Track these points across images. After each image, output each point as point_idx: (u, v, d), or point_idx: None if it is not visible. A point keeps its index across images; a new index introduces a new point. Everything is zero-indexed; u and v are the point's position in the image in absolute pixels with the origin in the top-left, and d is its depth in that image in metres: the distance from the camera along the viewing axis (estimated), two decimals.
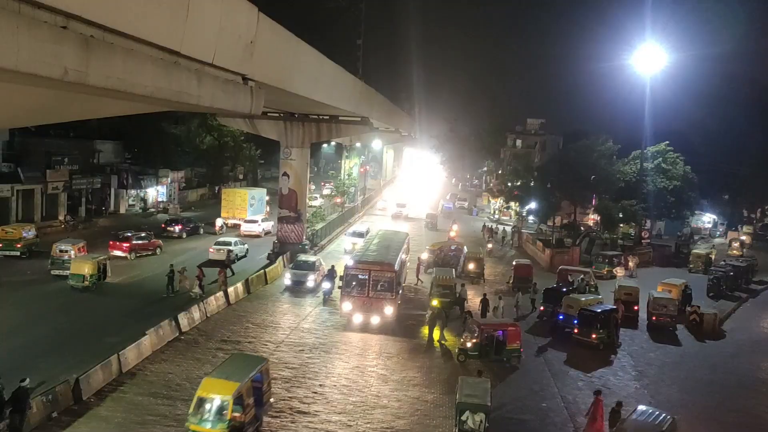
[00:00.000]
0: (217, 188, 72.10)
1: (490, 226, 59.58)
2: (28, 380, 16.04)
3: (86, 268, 29.42)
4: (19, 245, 35.44)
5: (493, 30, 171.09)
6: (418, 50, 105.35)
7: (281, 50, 21.67)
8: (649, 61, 46.02)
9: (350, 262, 27.92)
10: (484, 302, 29.24)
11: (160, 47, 13.05)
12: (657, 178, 52.07)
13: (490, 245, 49.81)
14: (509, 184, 58.85)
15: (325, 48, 27.27)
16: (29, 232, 36.97)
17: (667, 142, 54.18)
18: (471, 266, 38.28)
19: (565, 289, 31.60)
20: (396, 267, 28.25)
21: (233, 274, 33.32)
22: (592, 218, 57.34)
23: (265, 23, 19.05)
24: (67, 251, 31.78)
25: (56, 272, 31.14)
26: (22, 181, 44.19)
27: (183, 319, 24.87)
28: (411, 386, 20.98)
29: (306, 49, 25.59)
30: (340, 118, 41.13)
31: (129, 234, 38.14)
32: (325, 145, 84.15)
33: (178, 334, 24.14)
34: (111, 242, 37.07)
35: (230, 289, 29.60)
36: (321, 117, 40.76)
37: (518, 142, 71.33)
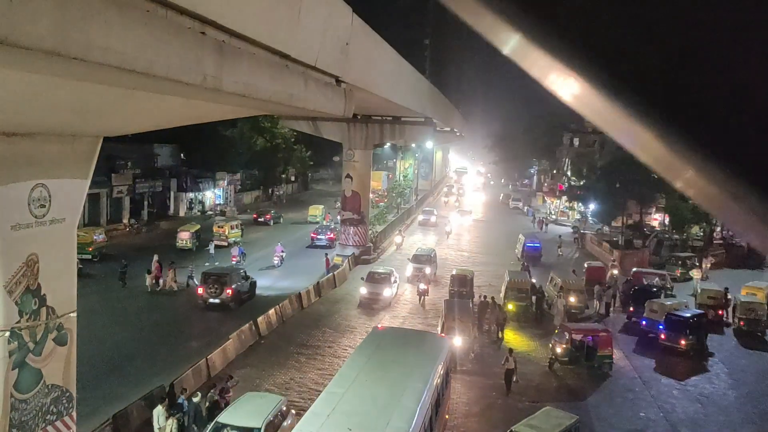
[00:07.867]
0: (270, 190, 72.22)
1: (541, 218, 59.09)
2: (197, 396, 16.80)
3: None
4: (90, 249, 36.01)
5: None
6: (471, 45, 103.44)
7: (370, 51, 21.41)
8: None
9: None
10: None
11: (274, 51, 12.85)
12: None
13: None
14: (572, 183, 57.41)
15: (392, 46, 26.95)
16: (99, 236, 37.59)
17: None
18: (572, 300, 29.37)
19: (653, 291, 30.63)
20: None
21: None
22: (655, 218, 55.52)
23: (358, 24, 18.79)
24: None
25: None
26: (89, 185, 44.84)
27: (262, 323, 24.87)
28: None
29: (388, 51, 25.38)
30: (403, 119, 40.65)
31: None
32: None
33: (258, 338, 24.13)
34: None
35: (302, 292, 29.46)
36: (384, 118, 40.30)
37: (575, 141, 69.46)
